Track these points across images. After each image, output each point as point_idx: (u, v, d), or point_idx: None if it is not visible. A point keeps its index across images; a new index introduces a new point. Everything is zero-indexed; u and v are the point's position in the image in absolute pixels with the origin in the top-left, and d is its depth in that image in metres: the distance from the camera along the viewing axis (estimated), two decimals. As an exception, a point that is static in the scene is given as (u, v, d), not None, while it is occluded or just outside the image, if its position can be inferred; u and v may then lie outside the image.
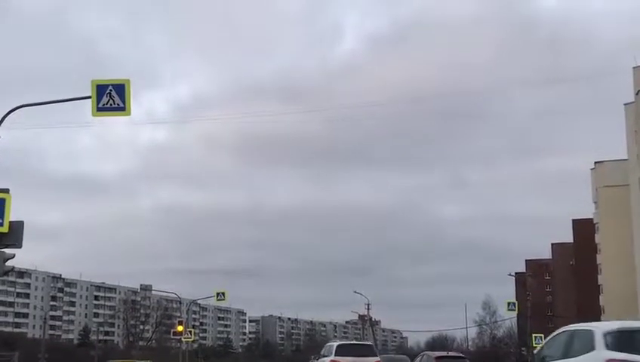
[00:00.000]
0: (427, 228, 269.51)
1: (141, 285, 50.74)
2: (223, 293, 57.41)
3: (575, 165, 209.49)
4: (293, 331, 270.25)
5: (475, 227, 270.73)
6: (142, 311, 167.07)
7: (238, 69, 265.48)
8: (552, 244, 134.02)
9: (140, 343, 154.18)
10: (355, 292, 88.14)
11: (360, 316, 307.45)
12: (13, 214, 18.05)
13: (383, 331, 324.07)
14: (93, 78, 17.56)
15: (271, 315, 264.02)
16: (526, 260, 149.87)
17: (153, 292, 55.80)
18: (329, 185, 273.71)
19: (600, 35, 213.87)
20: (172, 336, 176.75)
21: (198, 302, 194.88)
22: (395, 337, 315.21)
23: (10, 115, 17.76)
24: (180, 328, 54.21)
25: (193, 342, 62.31)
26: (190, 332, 57.32)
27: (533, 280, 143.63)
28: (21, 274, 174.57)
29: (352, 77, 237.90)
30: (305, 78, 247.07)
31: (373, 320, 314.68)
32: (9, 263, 17.32)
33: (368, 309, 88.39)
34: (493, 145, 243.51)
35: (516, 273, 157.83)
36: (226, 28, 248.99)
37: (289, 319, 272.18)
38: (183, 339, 57.64)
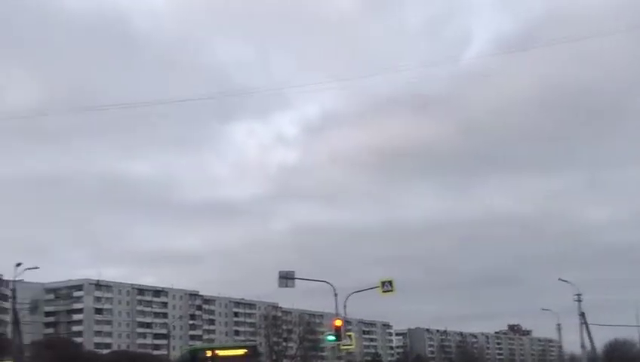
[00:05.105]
0: (571, 233, 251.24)
1: (280, 272, 38.42)
2: (390, 282, 43.68)
3: None
4: (443, 343, 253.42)
5: (624, 230, 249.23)
6: (283, 326, 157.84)
7: (366, 84, 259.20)
8: None
9: (285, 361, 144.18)
10: (561, 279, 71.48)
11: (510, 326, 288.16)
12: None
13: (539, 340, 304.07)
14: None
15: (418, 328, 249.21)
16: None
17: (296, 280, 41.53)
18: (466, 195, 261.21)
19: None
20: (319, 346, 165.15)
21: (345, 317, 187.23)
22: (553, 346, 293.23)
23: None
24: (338, 322, 40.31)
25: (352, 351, 48.02)
26: (350, 336, 43.15)
27: None
28: (157, 292, 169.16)
29: (483, 82, 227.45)
30: (435, 88, 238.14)
31: (523, 330, 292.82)
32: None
33: (579, 301, 70.36)
34: (632, 143, 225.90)
35: None
36: (352, 44, 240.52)
37: (437, 331, 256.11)
38: (341, 347, 43.63)
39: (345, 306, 44.95)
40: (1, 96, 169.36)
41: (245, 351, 27.96)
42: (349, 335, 44.09)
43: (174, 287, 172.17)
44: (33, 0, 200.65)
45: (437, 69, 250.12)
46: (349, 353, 54.62)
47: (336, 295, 43.29)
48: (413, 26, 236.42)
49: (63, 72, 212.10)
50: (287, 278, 43.16)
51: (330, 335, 43.16)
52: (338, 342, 42.38)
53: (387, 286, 44.11)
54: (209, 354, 26.84)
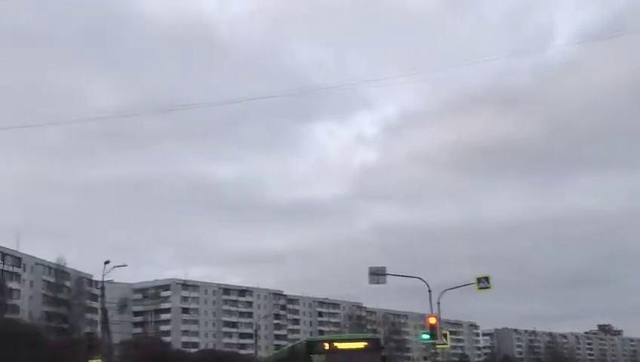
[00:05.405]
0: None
1: (370, 268, 36.22)
2: (487, 278, 41.48)
3: None
4: (532, 344, 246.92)
5: None
6: (368, 326, 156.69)
7: (446, 80, 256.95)
8: None
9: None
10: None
11: (600, 326, 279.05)
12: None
13: (631, 340, 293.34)
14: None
15: (505, 328, 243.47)
16: None
17: (388, 277, 39.40)
18: (552, 193, 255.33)
19: None
20: (405, 346, 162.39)
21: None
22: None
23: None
24: (432, 320, 38.47)
25: (446, 350, 45.92)
26: (445, 335, 41.19)
27: None
28: (242, 292, 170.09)
29: (568, 75, 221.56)
30: (518, 82, 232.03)
31: (614, 330, 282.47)
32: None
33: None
34: None
35: None
36: (429, 42, 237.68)
37: (526, 331, 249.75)
38: (437, 346, 41.79)
39: (439, 303, 42.92)
40: (91, 101, 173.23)
41: (366, 343, 24.69)
42: (444, 334, 42.21)
43: (259, 287, 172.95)
44: (122, 8, 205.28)
45: (520, 63, 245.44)
46: (437, 353, 52.42)
47: (429, 292, 41.38)
48: (493, 20, 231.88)
49: (149, 77, 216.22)
50: (378, 274, 41.43)
51: (424, 333, 41.38)
52: (433, 341, 40.56)
53: (483, 282, 41.91)
54: (327, 346, 23.94)
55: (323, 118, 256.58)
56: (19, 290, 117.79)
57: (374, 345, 24.92)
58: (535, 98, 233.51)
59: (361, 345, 24.41)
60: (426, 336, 41.12)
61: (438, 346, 42.23)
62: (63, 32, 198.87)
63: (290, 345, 38.98)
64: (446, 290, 42.65)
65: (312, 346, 24.23)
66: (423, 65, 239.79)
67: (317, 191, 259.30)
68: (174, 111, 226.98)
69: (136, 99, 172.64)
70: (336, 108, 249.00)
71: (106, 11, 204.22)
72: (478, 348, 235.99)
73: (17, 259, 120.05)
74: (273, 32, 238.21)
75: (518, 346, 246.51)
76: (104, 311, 62.96)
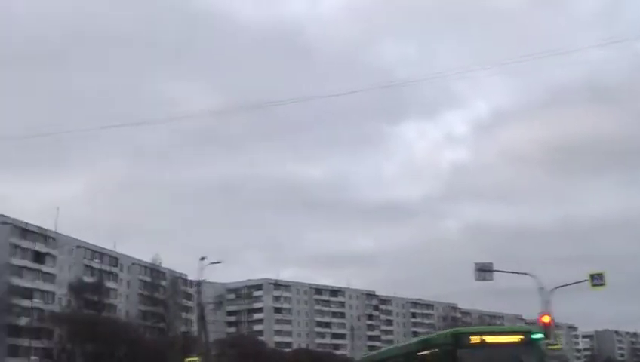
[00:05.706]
0: None
1: (477, 264, 34.44)
2: (600, 275, 38.92)
3: None
4: (634, 346, 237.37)
5: None
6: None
7: (536, 76, 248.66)
8: None
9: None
10: None
11: None
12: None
13: None
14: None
15: (607, 329, 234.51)
16: None
17: (495, 273, 37.15)
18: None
19: None
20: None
21: (523, 316, 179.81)
22: None
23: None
24: (545, 318, 36.08)
25: (559, 348, 43.20)
26: (557, 336, 38.58)
27: None
28: (334, 292, 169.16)
29: None
30: (612, 75, 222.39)
31: None
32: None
33: None
34: None
35: None
36: (520, 35, 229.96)
37: (627, 333, 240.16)
38: (550, 347, 39.29)
39: (549, 302, 40.38)
40: (185, 102, 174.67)
41: (522, 337, 20.89)
42: (557, 335, 39.70)
43: (350, 287, 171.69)
44: (212, 9, 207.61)
45: (614, 55, 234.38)
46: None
47: (541, 288, 38.87)
48: (585, 11, 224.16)
49: (239, 78, 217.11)
50: (484, 271, 39.19)
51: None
52: (546, 342, 38.07)
53: (597, 279, 39.29)
54: (476, 339, 20.66)
55: (412, 116, 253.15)
56: (116, 290, 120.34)
57: (529, 339, 21.17)
58: (631, 91, 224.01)
59: (516, 338, 21.10)
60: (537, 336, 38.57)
61: (552, 347, 39.65)
62: (156, 35, 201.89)
63: (422, 337, 35.61)
64: (556, 288, 40.10)
65: (459, 339, 20.63)
66: (514, 60, 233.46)
67: (407, 191, 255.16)
68: (264, 112, 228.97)
69: (228, 100, 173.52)
70: (425, 106, 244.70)
71: (196, 12, 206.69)
72: (578, 351, 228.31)
73: (115, 259, 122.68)
74: (361, 29, 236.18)
75: (620, 348, 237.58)
76: (201, 308, 62.49)
